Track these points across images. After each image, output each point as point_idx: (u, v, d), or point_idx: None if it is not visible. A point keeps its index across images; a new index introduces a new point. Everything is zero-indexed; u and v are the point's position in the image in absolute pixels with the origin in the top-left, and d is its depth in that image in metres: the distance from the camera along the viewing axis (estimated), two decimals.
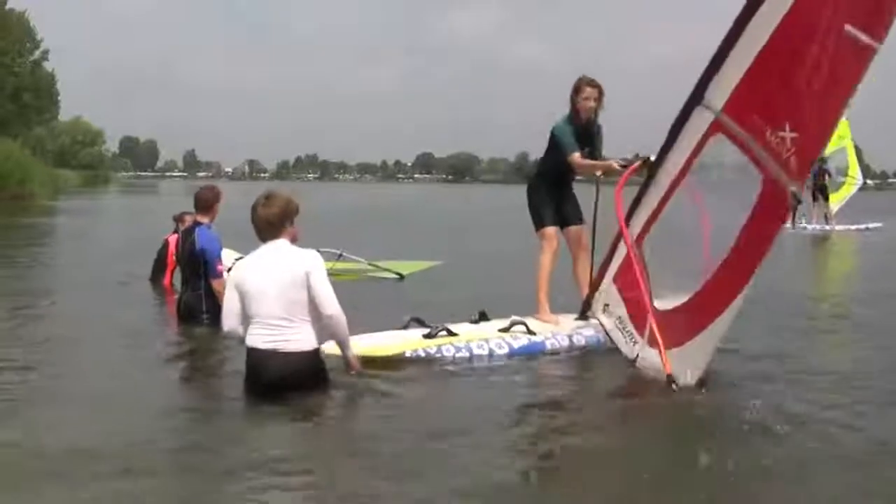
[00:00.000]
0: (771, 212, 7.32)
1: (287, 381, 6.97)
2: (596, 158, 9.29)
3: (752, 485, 5.51)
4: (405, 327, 8.78)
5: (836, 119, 7.40)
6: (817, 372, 8.31)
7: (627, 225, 8.37)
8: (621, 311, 8.57)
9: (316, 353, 7.18)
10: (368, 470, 5.60)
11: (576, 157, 9.10)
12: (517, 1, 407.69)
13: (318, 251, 14.06)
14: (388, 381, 7.64)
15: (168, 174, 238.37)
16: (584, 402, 7.64)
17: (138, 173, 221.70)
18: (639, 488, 5.43)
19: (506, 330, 8.79)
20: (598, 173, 9.34)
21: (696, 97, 7.70)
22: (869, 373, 8.23)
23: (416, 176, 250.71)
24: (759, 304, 9.53)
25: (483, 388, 7.80)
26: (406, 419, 6.74)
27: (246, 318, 7.24)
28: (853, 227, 30.40)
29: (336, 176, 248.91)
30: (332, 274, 14.13)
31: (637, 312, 8.32)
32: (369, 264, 15.13)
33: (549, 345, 8.76)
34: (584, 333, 9.00)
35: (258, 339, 7.09)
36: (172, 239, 13.00)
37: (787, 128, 7.06)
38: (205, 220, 10.48)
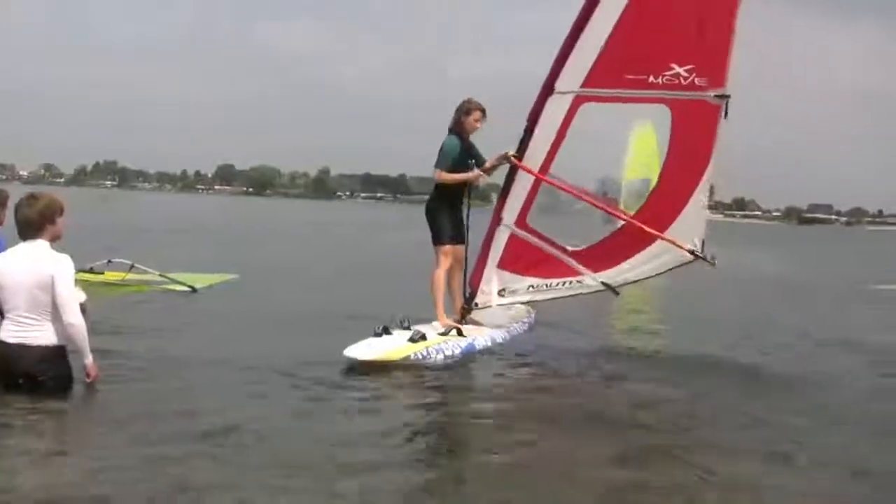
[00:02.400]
0: (697, 122, 10.20)
1: (31, 375, 7.24)
2: (481, 165, 10.76)
3: None
4: (381, 334, 9.63)
5: (728, 37, 9.92)
6: None
7: (501, 217, 10.56)
8: (530, 280, 10.81)
9: (59, 349, 7.40)
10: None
11: (440, 172, 10.53)
12: (329, 17, 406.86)
13: (111, 262, 13.64)
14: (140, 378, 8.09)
15: None
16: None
17: None
18: None
19: (445, 334, 10.08)
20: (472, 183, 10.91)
21: (547, 90, 10.08)
22: None
23: (216, 187, 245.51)
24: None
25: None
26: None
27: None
28: None
29: (134, 184, 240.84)
30: (123, 285, 13.91)
31: (552, 269, 10.75)
32: (161, 276, 14.75)
33: (477, 345, 10.19)
34: (493, 334, 10.64)
35: (7, 333, 7.37)
36: None
37: (676, 67, 9.94)
38: None
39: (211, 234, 36.39)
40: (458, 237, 10.75)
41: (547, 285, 10.85)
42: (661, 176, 10.85)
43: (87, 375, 7.54)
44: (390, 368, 9.10)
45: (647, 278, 11.14)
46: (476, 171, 10.66)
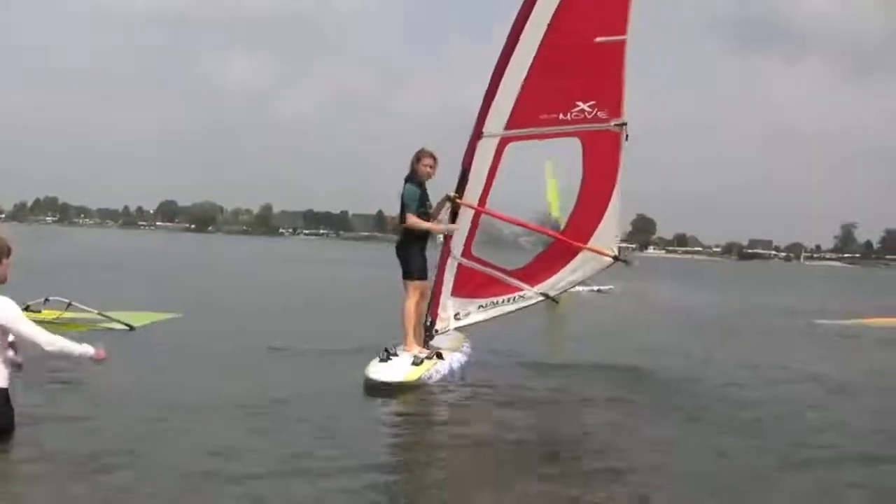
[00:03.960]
0: (603, 148, 12.09)
1: None
2: (430, 209, 11.90)
3: None
4: (387, 359, 10.83)
5: (620, 75, 11.87)
6: None
7: (450, 250, 12.10)
8: (480, 301, 12.48)
9: (4, 391, 7.19)
10: None
11: (412, 217, 11.53)
12: (270, 53, 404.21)
13: (48, 300, 13.45)
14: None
15: None
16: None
17: None
18: None
19: (430, 359, 11.16)
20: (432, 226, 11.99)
21: (476, 136, 11.76)
22: None
23: (158, 224, 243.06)
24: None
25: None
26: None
27: None
28: (584, 288, 31.06)
29: (76, 220, 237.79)
30: (60, 323, 13.64)
31: (497, 289, 12.52)
32: (99, 314, 14.50)
33: (453, 365, 11.52)
34: (456, 356, 11.90)
35: None
36: None
37: (581, 104, 11.79)
38: None
39: (152, 270, 36.02)
40: (425, 273, 11.82)
41: (494, 303, 12.59)
42: (580, 193, 12.56)
43: (97, 357, 7.73)
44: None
45: (577, 284, 13.45)
46: (448, 225, 11.99)
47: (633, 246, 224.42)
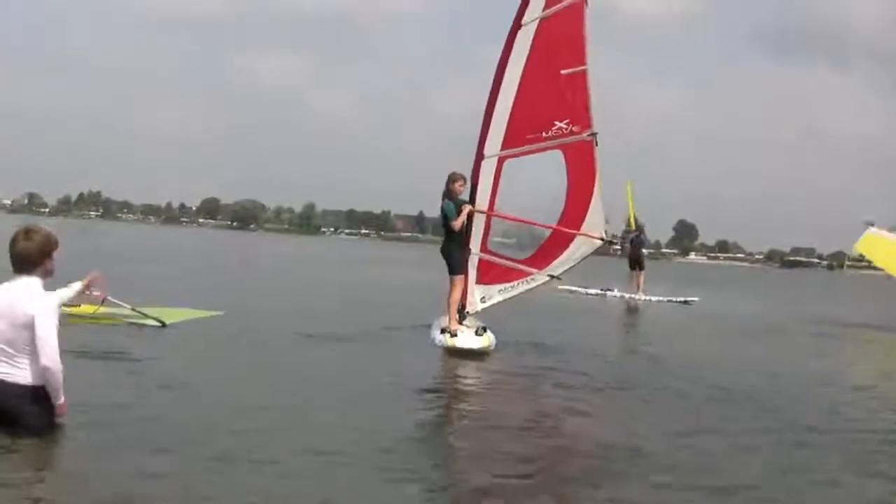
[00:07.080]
0: (581, 155, 14.90)
1: (3, 411, 7.02)
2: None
3: None
4: (456, 334, 13.76)
5: (586, 96, 14.74)
6: None
7: (469, 249, 14.94)
8: (499, 286, 15.40)
9: (36, 389, 7.13)
10: None
11: (455, 223, 14.45)
12: (321, 53, 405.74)
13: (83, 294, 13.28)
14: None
15: None
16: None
17: None
18: None
19: (483, 330, 14.08)
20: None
21: (479, 157, 14.97)
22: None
23: (200, 220, 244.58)
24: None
25: None
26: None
27: None
28: (665, 298, 30.59)
29: (119, 215, 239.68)
30: (94, 318, 13.62)
31: (512, 275, 15.42)
32: (133, 310, 14.49)
33: (490, 341, 13.95)
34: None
35: None
36: None
37: (557, 123, 14.75)
38: None
39: (194, 268, 36.23)
40: (465, 268, 14.78)
41: (511, 287, 15.51)
42: (567, 193, 15.20)
43: (59, 412, 7.27)
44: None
45: (577, 263, 15.70)
46: (468, 207, 14.67)
47: (675, 251, 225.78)
